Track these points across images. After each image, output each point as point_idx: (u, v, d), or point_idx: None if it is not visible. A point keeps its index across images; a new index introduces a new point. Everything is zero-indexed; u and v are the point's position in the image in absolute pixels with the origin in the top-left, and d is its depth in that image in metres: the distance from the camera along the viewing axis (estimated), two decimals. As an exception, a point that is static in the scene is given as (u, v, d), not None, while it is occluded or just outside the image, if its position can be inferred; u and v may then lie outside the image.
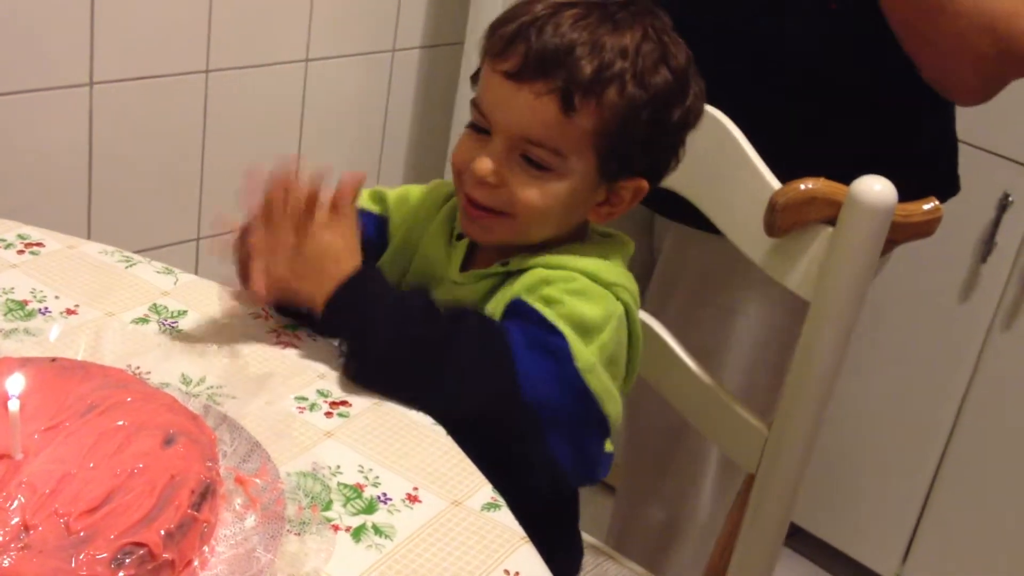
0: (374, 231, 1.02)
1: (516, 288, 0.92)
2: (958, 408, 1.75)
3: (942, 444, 1.78)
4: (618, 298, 0.92)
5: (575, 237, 0.97)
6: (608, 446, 0.96)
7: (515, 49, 0.88)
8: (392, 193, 1.05)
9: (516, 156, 0.90)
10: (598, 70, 0.87)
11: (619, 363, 0.93)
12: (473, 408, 0.86)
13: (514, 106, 0.89)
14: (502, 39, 0.90)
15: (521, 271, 0.93)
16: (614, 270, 0.94)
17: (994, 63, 1.07)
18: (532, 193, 0.90)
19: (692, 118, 0.94)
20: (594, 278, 0.91)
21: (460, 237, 0.99)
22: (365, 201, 1.03)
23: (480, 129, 0.92)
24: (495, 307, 0.92)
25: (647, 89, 0.89)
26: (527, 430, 0.86)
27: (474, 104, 0.92)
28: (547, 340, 0.87)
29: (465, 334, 0.87)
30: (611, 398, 0.90)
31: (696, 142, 1.08)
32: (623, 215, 1.30)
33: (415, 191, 1.05)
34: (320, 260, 0.88)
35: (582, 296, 0.90)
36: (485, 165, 0.90)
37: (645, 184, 0.94)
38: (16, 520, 0.62)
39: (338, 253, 0.89)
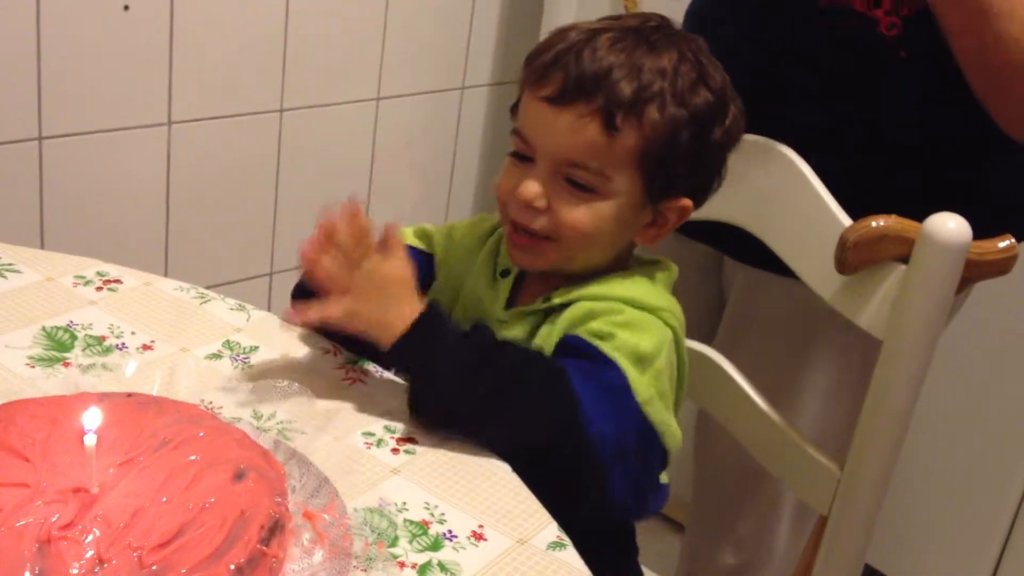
0: (421, 268, 1.03)
1: (561, 324, 0.92)
2: (1039, 448, 1.70)
3: (1023, 483, 1.73)
4: (665, 323, 0.92)
5: (618, 266, 0.97)
6: (664, 477, 0.95)
7: (554, 75, 0.90)
8: (436, 230, 1.06)
9: (560, 180, 0.91)
10: (638, 90, 0.88)
11: (672, 389, 0.93)
12: (536, 445, 0.86)
13: (557, 129, 0.90)
14: (541, 67, 0.91)
15: (564, 306, 0.93)
16: (658, 294, 0.95)
17: None
18: (578, 215, 0.91)
19: (732, 137, 0.95)
20: (639, 305, 0.92)
21: (504, 274, 0.99)
22: (410, 239, 1.04)
23: (523, 157, 0.93)
24: (541, 343, 0.93)
25: (687, 107, 0.90)
26: (589, 466, 0.86)
27: (515, 133, 0.94)
28: (605, 374, 0.87)
29: (527, 373, 0.87)
30: (669, 430, 0.90)
31: (766, 179, 1.08)
32: (690, 255, 1.30)
33: (459, 226, 1.06)
34: (379, 294, 0.88)
35: (631, 328, 0.89)
36: (531, 188, 0.91)
37: (690, 203, 0.95)
38: (91, 553, 0.63)
39: (396, 288, 0.88)
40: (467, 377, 0.86)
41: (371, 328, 0.88)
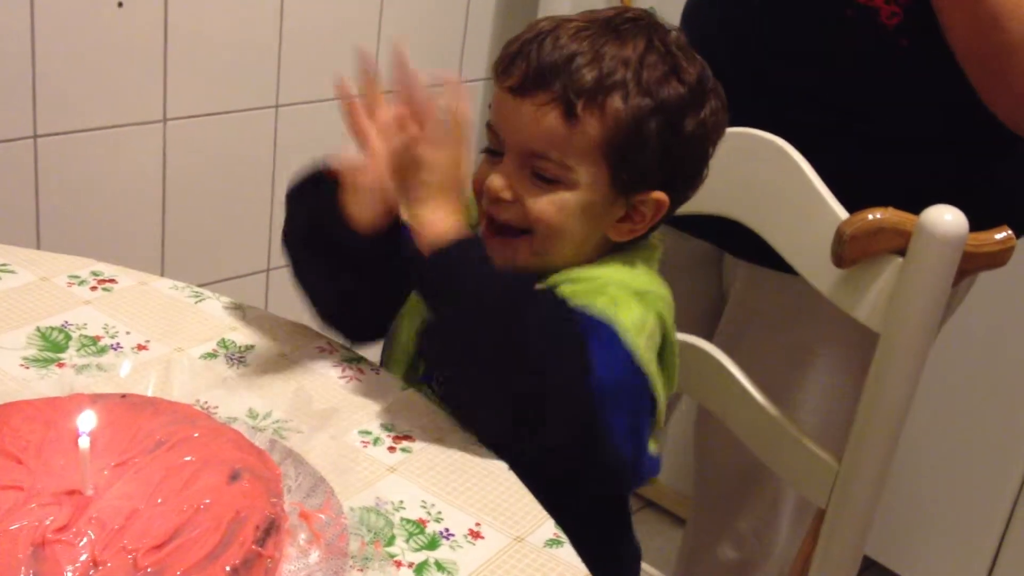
0: None
1: None
2: (1038, 439, 1.70)
3: (1020, 475, 1.72)
4: (650, 305, 0.91)
5: (601, 257, 0.95)
6: (652, 446, 0.94)
7: (517, 65, 0.89)
8: None
9: (527, 172, 0.90)
10: (598, 78, 0.87)
11: (657, 371, 0.91)
12: (546, 383, 0.82)
13: (519, 120, 0.89)
14: (506, 57, 0.91)
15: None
16: (642, 277, 0.93)
17: None
18: (544, 206, 0.90)
19: (710, 131, 0.93)
20: (625, 286, 0.90)
21: None
22: None
23: (494, 152, 0.93)
24: None
25: (653, 98, 0.88)
26: (593, 408, 0.83)
27: (487, 127, 0.93)
28: (598, 327, 0.86)
29: (548, 310, 0.85)
30: (657, 383, 0.89)
31: (761, 173, 1.08)
32: (690, 251, 1.30)
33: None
34: (453, 174, 0.86)
35: (614, 302, 0.88)
36: (496, 181, 0.91)
37: (664, 197, 0.92)
38: (85, 556, 0.63)
39: (449, 183, 0.86)
40: (497, 303, 0.84)
41: (423, 199, 0.85)
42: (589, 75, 0.87)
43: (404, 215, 0.88)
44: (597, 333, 0.85)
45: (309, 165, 0.95)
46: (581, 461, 0.86)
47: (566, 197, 0.90)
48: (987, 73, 1.06)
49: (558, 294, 0.88)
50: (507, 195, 0.91)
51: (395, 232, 0.91)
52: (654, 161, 0.90)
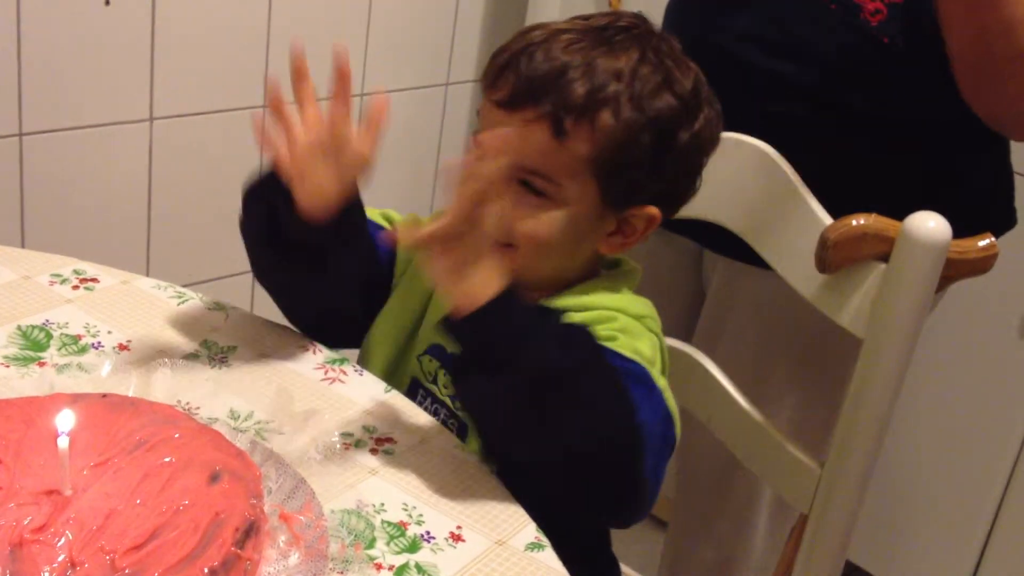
0: (382, 249, 0.99)
1: None
2: (1020, 444, 1.71)
3: (1004, 480, 1.73)
4: (650, 329, 0.91)
5: (590, 272, 0.94)
6: None
7: (506, 78, 0.87)
8: (400, 219, 1.02)
9: (514, 185, 0.87)
10: (589, 92, 0.85)
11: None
12: (596, 434, 0.80)
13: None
14: (495, 68, 0.89)
15: None
16: (636, 302, 0.93)
17: None
18: (532, 224, 0.87)
19: (705, 143, 0.91)
20: (628, 313, 0.90)
21: None
22: (375, 217, 1.01)
23: None
24: None
25: (645, 112, 0.86)
26: (636, 452, 0.82)
27: (474, 136, 0.90)
28: (630, 368, 0.84)
29: (595, 368, 0.81)
30: (678, 419, 0.89)
31: (746, 177, 1.08)
32: (671, 249, 1.30)
33: (423, 222, 1.02)
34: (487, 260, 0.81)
35: (629, 333, 0.88)
36: None
37: (657, 212, 0.90)
38: (63, 557, 0.63)
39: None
40: (551, 352, 0.80)
41: (461, 282, 0.80)
42: (580, 89, 0.84)
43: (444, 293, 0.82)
44: (638, 375, 0.84)
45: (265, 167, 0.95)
46: (617, 502, 0.85)
47: (553, 214, 0.87)
48: (984, 78, 1.06)
49: (593, 336, 0.84)
50: None
51: (346, 218, 0.90)
52: (646, 175, 0.88)
